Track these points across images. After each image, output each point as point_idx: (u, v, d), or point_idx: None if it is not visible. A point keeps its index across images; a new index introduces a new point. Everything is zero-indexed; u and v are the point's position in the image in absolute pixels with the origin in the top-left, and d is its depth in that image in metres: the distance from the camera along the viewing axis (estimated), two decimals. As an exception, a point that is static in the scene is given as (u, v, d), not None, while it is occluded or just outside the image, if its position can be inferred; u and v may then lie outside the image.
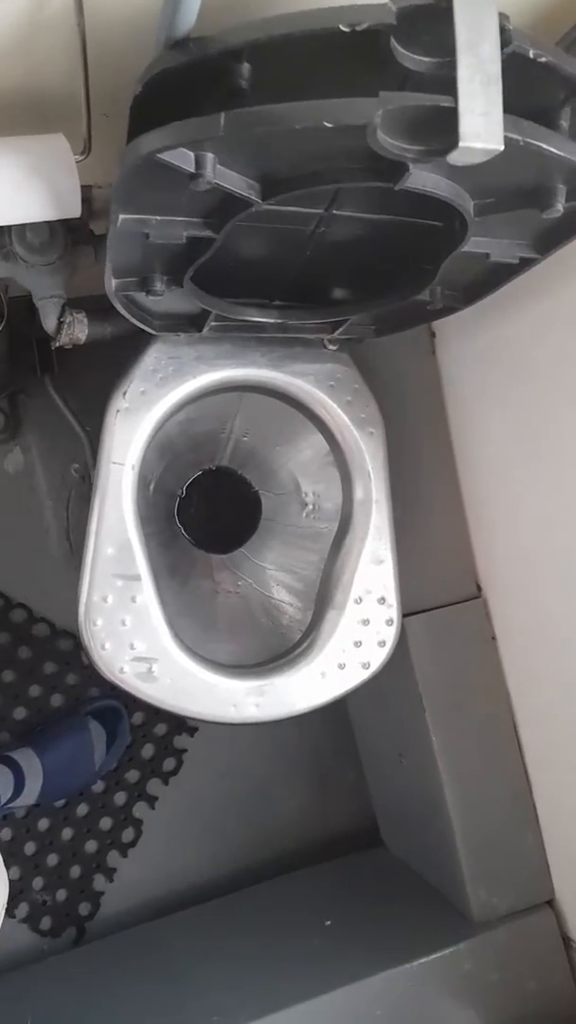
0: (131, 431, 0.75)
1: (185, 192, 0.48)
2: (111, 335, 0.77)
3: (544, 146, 0.43)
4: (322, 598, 0.82)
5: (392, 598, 0.81)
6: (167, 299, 0.67)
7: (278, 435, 0.92)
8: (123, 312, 0.68)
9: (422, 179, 0.47)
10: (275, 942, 0.95)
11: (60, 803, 1.00)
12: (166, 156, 0.45)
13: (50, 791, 0.95)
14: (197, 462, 0.95)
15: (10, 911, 0.97)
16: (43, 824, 1.00)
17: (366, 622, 0.80)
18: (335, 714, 1.10)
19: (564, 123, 0.47)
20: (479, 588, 0.97)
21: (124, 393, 0.76)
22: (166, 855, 1.05)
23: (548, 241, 0.59)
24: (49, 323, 0.74)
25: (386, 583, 0.81)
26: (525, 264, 0.61)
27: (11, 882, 0.91)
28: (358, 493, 0.82)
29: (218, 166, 0.47)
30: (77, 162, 0.56)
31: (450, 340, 0.95)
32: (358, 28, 0.41)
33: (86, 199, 0.67)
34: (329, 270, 0.71)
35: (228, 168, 0.48)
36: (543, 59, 0.43)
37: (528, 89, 0.44)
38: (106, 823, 1.03)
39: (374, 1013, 0.86)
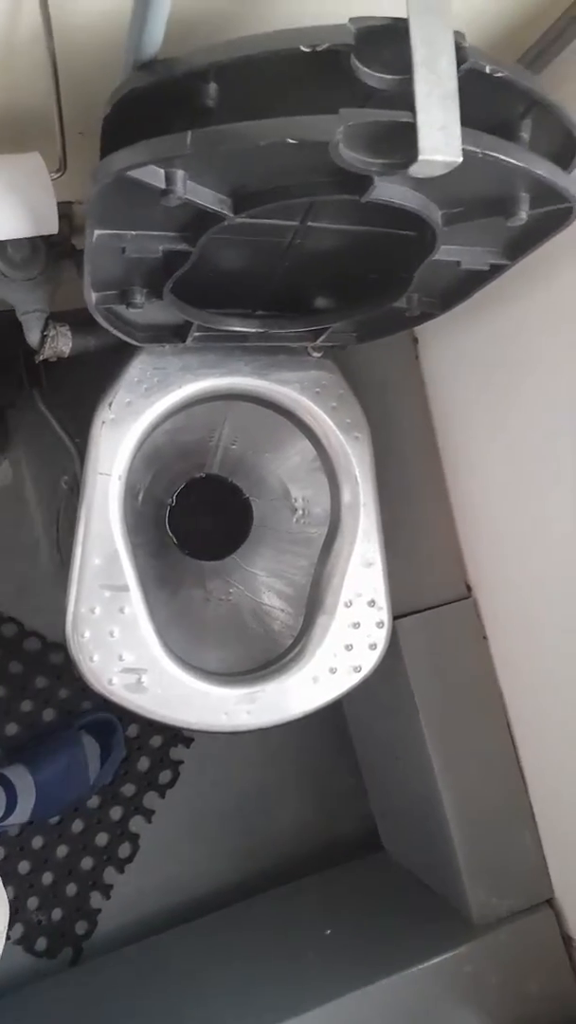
0: (117, 442, 0.76)
1: (158, 207, 0.49)
2: (95, 348, 0.78)
3: (502, 157, 0.44)
4: (312, 603, 0.82)
5: (382, 600, 0.81)
6: (149, 311, 0.67)
7: (266, 442, 0.93)
8: (105, 325, 0.69)
9: (388, 191, 0.48)
10: (276, 954, 0.95)
11: (54, 820, 0.99)
12: (136, 173, 0.46)
13: (43, 808, 0.93)
14: (186, 471, 0.95)
15: (6, 933, 0.96)
16: (37, 842, 0.99)
17: (356, 625, 0.81)
18: (332, 719, 1.09)
19: (524, 135, 0.48)
20: (469, 588, 0.98)
21: (110, 404, 0.76)
22: (163, 870, 1.03)
23: (517, 248, 0.60)
24: (32, 337, 0.75)
25: (376, 586, 0.81)
26: (496, 270, 0.62)
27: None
28: (346, 497, 0.83)
29: (189, 182, 0.48)
30: (53, 179, 0.57)
31: (432, 344, 0.96)
32: (318, 48, 0.42)
33: (66, 214, 0.68)
34: (308, 279, 0.71)
35: (199, 183, 0.49)
36: (500, 74, 0.44)
37: (488, 103, 0.46)
38: (102, 839, 1.01)
39: (377, 1021, 0.86)
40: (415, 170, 0.41)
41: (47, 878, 0.99)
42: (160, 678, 0.74)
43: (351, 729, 1.12)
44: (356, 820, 1.12)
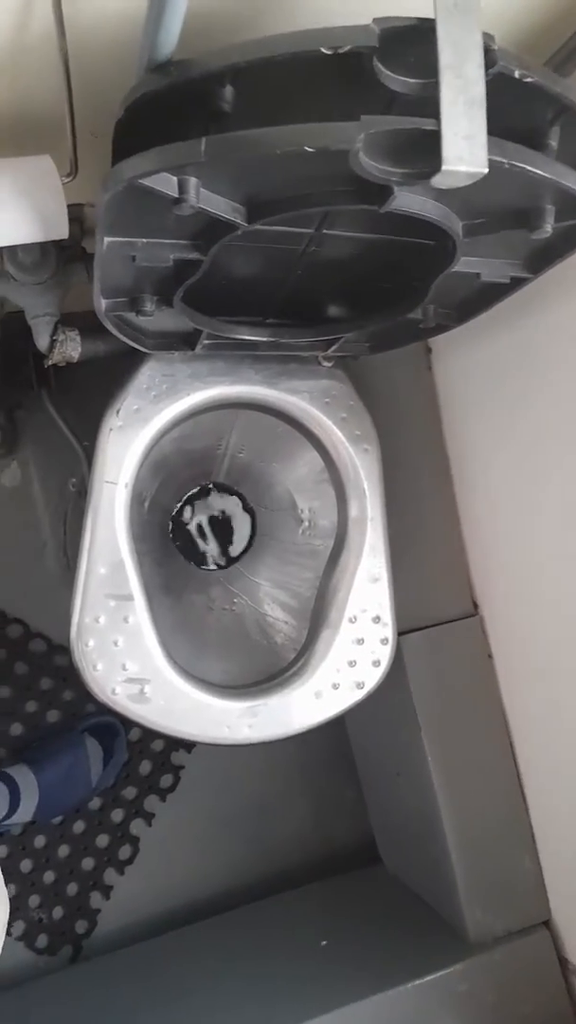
0: (124, 449, 0.75)
1: (170, 215, 0.48)
2: (104, 353, 0.76)
3: (529, 168, 0.42)
4: (316, 616, 0.81)
5: (387, 617, 0.80)
6: (159, 318, 0.66)
7: (274, 452, 0.91)
8: (115, 332, 0.68)
9: (408, 201, 0.46)
10: (271, 962, 0.94)
11: (57, 820, 1.00)
12: (148, 181, 0.45)
13: (46, 808, 0.94)
14: (193, 478, 0.94)
15: (6, 929, 0.96)
16: (39, 841, 1.00)
17: (361, 641, 0.79)
18: (334, 731, 1.09)
19: (553, 143, 0.46)
20: (476, 606, 0.96)
21: (117, 411, 0.75)
22: (163, 873, 1.04)
23: (540, 260, 0.58)
24: (42, 341, 0.73)
25: (381, 602, 0.80)
26: (517, 283, 0.60)
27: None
28: (353, 511, 0.82)
29: (202, 190, 0.47)
30: (64, 183, 0.56)
31: (446, 356, 0.94)
32: (340, 51, 0.41)
33: (77, 218, 0.67)
34: (321, 288, 0.70)
35: (212, 191, 0.48)
36: (529, 79, 0.42)
37: (515, 109, 0.44)
38: (103, 840, 1.02)
39: (370, 1035, 0.85)
40: (438, 181, 0.39)
41: (48, 877, 1.00)
42: (163, 689, 0.73)
43: (352, 741, 1.11)
44: (355, 833, 1.11)
